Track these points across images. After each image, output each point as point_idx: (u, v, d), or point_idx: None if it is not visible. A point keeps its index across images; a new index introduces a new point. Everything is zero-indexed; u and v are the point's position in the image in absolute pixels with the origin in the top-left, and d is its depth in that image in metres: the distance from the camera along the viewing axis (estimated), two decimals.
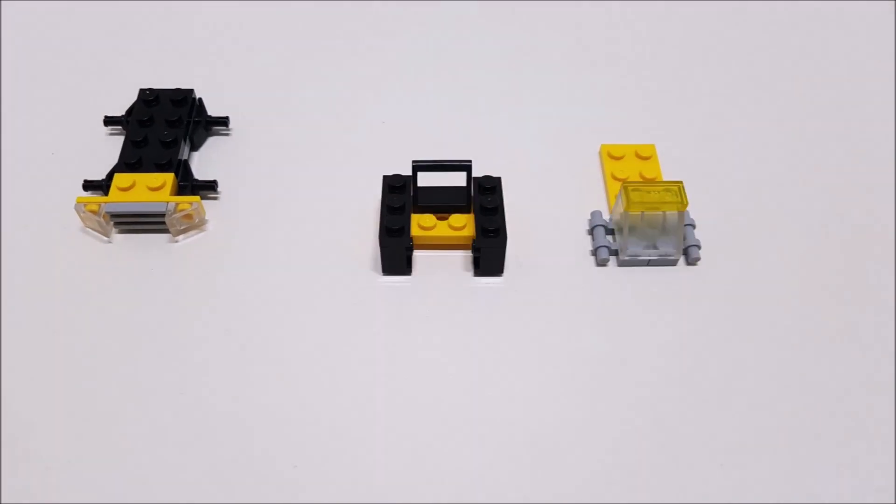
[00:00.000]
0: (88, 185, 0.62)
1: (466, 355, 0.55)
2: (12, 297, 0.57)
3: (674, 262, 0.59)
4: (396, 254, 0.57)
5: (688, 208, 0.59)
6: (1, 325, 0.56)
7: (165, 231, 0.60)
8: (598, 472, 0.50)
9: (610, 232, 0.60)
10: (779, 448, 0.51)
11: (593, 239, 0.60)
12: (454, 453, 0.50)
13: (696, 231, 0.60)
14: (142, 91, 0.67)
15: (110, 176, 0.62)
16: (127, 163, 0.62)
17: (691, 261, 0.59)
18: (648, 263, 0.59)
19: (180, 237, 0.61)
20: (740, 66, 0.74)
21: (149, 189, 0.60)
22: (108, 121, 0.67)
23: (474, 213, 0.58)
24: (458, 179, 0.58)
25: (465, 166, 0.57)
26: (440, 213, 0.59)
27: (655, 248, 0.59)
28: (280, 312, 0.56)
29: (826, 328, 0.56)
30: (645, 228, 0.58)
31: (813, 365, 0.54)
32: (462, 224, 0.58)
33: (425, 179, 0.58)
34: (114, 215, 0.59)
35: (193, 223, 0.61)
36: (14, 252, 0.60)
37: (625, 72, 0.73)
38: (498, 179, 0.59)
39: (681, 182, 0.57)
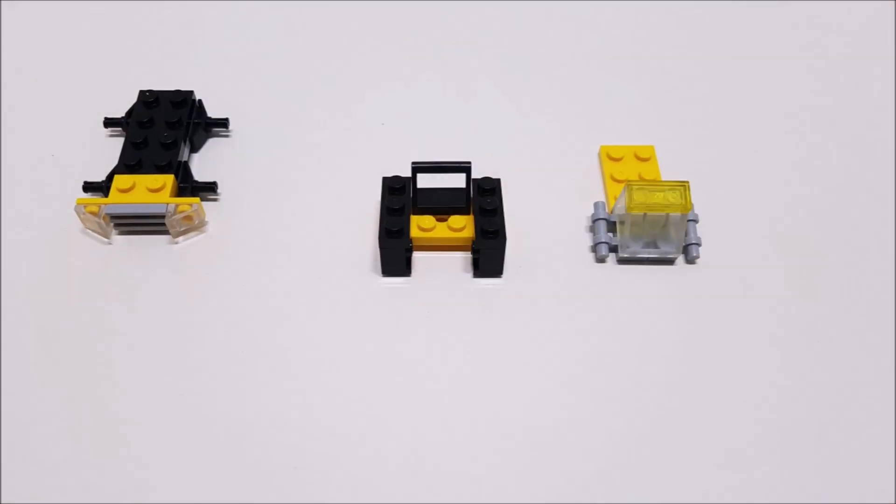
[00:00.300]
0: (88, 187, 0.62)
1: (466, 356, 0.55)
2: (13, 299, 0.57)
3: (672, 261, 0.59)
4: (396, 255, 0.57)
5: None
6: (1, 327, 0.56)
7: (165, 232, 0.61)
8: (597, 472, 0.50)
9: (612, 225, 0.60)
10: (779, 448, 0.51)
11: (594, 234, 0.60)
12: (454, 453, 0.51)
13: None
14: (142, 93, 0.67)
15: (110, 177, 0.62)
16: (127, 164, 0.62)
17: (690, 259, 0.59)
18: (647, 261, 0.59)
19: (180, 238, 0.61)
20: (740, 67, 0.74)
21: (149, 190, 0.60)
22: (108, 122, 0.67)
23: (474, 214, 0.58)
24: (457, 181, 0.58)
25: (464, 168, 0.57)
26: (440, 214, 0.59)
27: (656, 246, 0.59)
28: (280, 314, 0.57)
29: (826, 328, 0.56)
30: (646, 227, 0.58)
31: (813, 365, 0.54)
32: (461, 225, 0.58)
33: (425, 181, 0.58)
34: (114, 217, 0.59)
35: (193, 224, 0.61)
36: (14, 253, 0.60)
37: (625, 72, 0.73)
38: (497, 181, 0.59)
39: (687, 182, 0.56)
